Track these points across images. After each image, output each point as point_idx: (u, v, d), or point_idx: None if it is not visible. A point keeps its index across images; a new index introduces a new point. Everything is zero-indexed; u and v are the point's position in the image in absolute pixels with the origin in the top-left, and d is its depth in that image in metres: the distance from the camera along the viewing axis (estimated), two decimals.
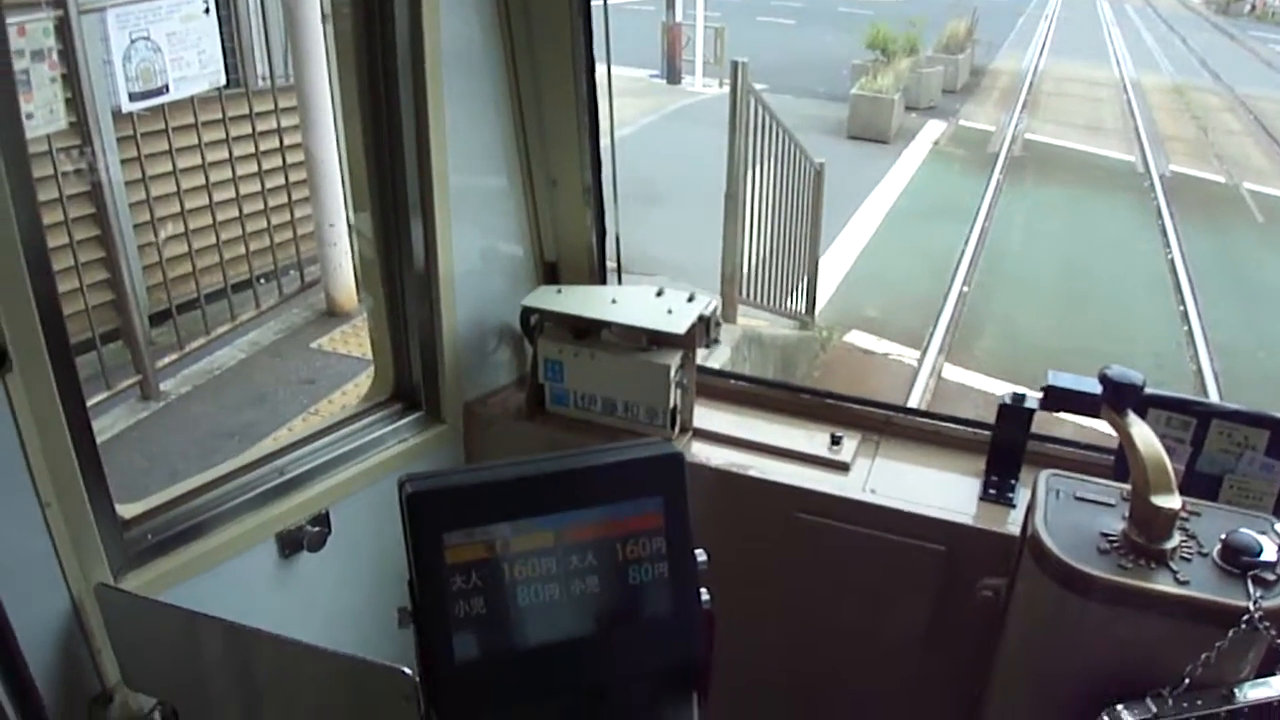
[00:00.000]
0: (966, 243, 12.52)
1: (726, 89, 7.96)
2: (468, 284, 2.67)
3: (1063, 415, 2.36)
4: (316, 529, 2.45)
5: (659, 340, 2.60)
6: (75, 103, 5.81)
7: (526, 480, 1.77)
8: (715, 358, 6.37)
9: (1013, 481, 2.50)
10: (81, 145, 6.03)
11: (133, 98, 6.01)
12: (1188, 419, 2.26)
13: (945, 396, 8.84)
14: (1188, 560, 1.89)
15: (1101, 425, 2.12)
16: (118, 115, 6.29)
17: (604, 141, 2.80)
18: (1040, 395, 2.34)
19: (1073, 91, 23.33)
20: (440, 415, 2.73)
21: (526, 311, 2.71)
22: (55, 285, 1.85)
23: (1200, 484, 2.23)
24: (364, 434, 2.62)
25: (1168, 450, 1.96)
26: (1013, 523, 2.38)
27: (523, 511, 1.72)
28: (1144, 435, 1.97)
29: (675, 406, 2.64)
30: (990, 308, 10.95)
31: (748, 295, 8.38)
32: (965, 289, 11.21)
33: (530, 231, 2.89)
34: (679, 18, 20.33)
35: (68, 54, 5.63)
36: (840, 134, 17.37)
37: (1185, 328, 10.44)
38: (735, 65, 7.60)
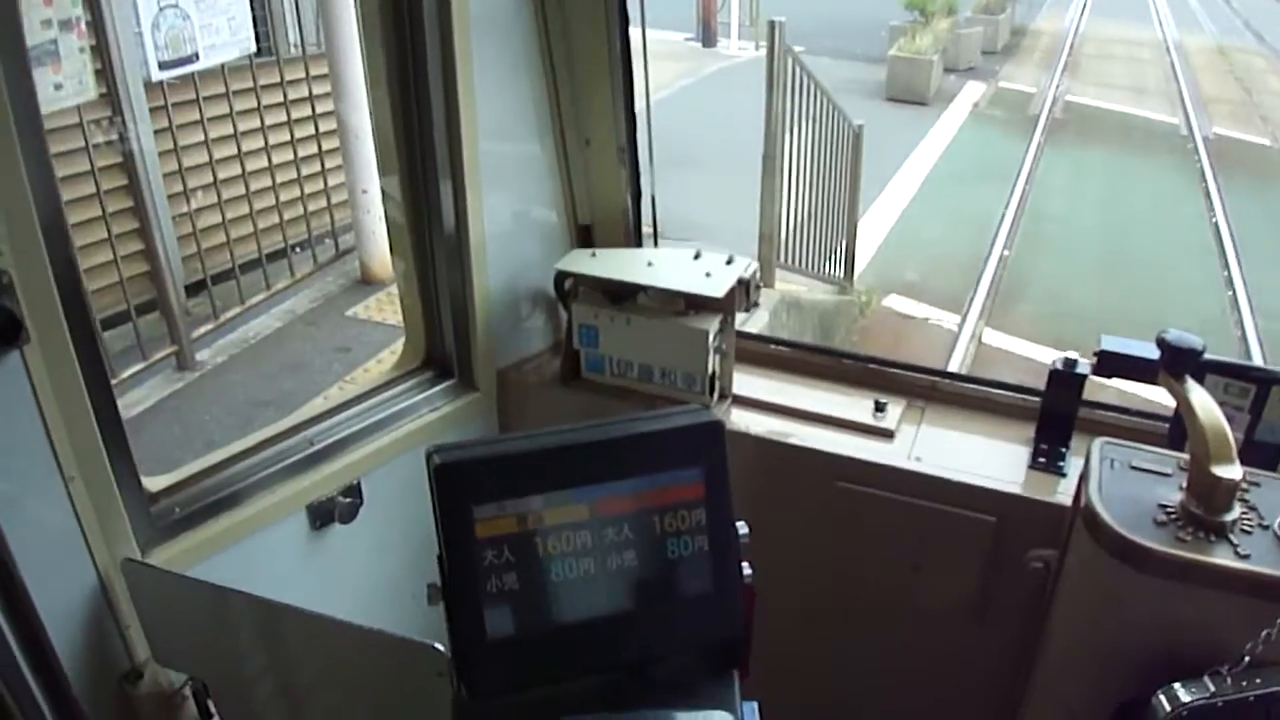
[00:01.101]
0: (1007, 206, 12.36)
1: (762, 52, 7.87)
2: (500, 248, 2.61)
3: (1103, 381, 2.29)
4: (348, 500, 2.41)
5: (697, 304, 2.54)
6: (105, 73, 5.79)
7: (559, 450, 1.71)
8: (753, 322, 6.32)
9: (1063, 450, 2.43)
10: (112, 116, 6.02)
11: (162, 66, 5.99)
12: (1247, 385, 2.19)
13: (985, 361, 8.73)
14: (1248, 533, 1.83)
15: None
16: (148, 85, 6.25)
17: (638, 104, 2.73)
18: (1092, 360, 2.26)
19: (1114, 52, 22.97)
20: (473, 383, 2.69)
21: (560, 275, 2.65)
22: (75, 256, 1.82)
23: (1260, 453, 2.16)
24: (395, 403, 2.58)
25: (1226, 418, 1.89)
26: (1063, 492, 2.31)
27: (555, 483, 1.67)
28: (1204, 402, 1.90)
29: (714, 372, 2.58)
30: (1031, 272, 10.80)
31: (786, 259, 8.30)
32: (1006, 252, 11.06)
33: (564, 194, 2.83)
34: None
35: (96, 23, 5.61)
36: (878, 96, 17.15)
37: (1229, 292, 10.26)
38: (772, 24, 7.51)
